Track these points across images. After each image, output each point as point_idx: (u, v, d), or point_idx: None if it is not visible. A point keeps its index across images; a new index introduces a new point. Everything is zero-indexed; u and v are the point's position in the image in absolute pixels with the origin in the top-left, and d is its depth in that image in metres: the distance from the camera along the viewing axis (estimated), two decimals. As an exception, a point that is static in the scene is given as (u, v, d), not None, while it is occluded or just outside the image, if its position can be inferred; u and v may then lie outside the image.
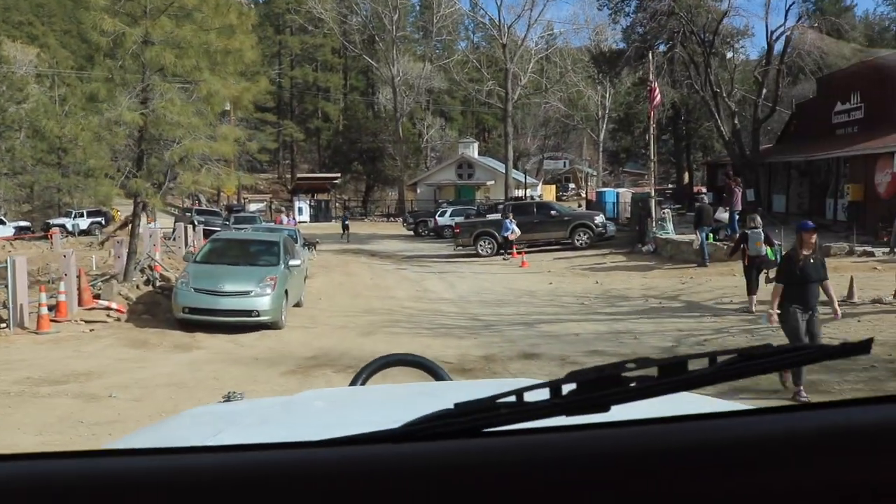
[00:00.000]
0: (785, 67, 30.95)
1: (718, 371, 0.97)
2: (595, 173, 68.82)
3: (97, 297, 14.27)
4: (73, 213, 49.89)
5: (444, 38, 69.67)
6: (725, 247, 21.26)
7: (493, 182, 57.05)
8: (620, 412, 0.93)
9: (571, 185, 76.43)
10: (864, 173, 23.63)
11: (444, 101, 79.77)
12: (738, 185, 21.57)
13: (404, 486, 0.82)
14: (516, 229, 27.99)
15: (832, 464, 0.83)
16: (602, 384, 0.94)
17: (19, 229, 45.45)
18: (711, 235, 21.31)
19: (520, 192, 53.63)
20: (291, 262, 13.84)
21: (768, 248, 13.50)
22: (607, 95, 61.61)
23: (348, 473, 0.84)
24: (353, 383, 2.54)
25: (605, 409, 0.92)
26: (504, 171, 51.52)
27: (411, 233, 44.09)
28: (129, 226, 37.10)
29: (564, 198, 64.82)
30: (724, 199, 21.64)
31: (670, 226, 25.15)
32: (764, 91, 31.95)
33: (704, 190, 21.36)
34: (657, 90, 24.44)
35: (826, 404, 0.97)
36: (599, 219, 29.73)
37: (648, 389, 0.94)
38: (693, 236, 23.34)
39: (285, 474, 0.83)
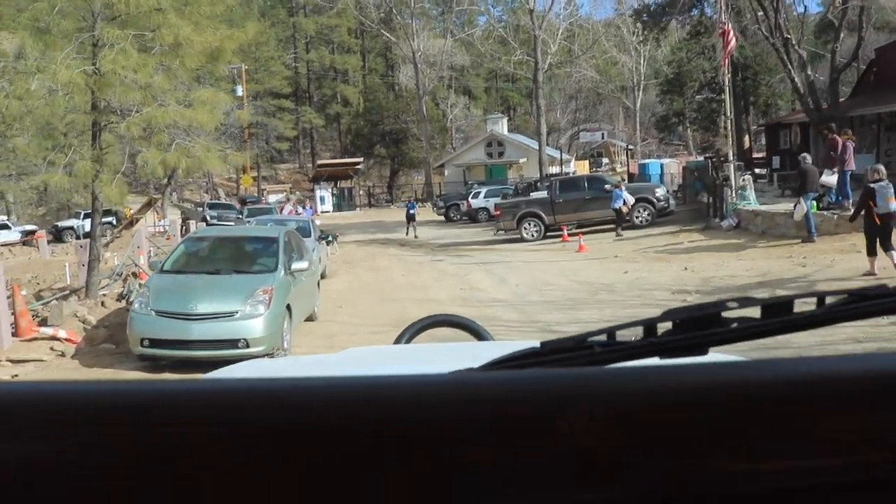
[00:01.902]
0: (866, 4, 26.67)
1: (828, 312, 0.89)
2: (628, 146, 64.95)
3: (42, 323, 10.66)
4: (82, 213, 46.62)
5: (466, 10, 65.50)
6: (835, 216, 17.37)
7: (524, 159, 53.32)
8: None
9: (605, 160, 72.31)
10: None
11: (467, 78, 75.79)
12: (851, 139, 17.51)
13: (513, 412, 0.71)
14: (629, 197, 24.12)
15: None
16: (701, 324, 0.87)
17: (26, 233, 42.35)
18: (815, 204, 17.35)
19: (554, 169, 49.67)
20: (295, 266, 10.05)
21: None
22: (642, 61, 57.53)
23: (471, 398, 0.72)
24: (397, 341, 2.42)
25: (704, 350, 0.86)
26: (537, 148, 47.61)
27: (442, 218, 40.46)
28: (135, 223, 33.86)
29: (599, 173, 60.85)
30: (828, 159, 17.59)
31: (752, 195, 21.15)
32: (842, 34, 27.67)
33: (805, 154, 17.31)
34: (731, 32, 20.37)
35: None
36: (661, 191, 25.81)
37: (751, 330, 0.88)
38: (787, 206, 19.45)
39: (441, 395, 0.72)
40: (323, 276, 17.33)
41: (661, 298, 12.35)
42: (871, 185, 12.20)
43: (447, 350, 2.28)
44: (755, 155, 38.57)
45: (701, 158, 41.83)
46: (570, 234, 24.14)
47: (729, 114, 22.19)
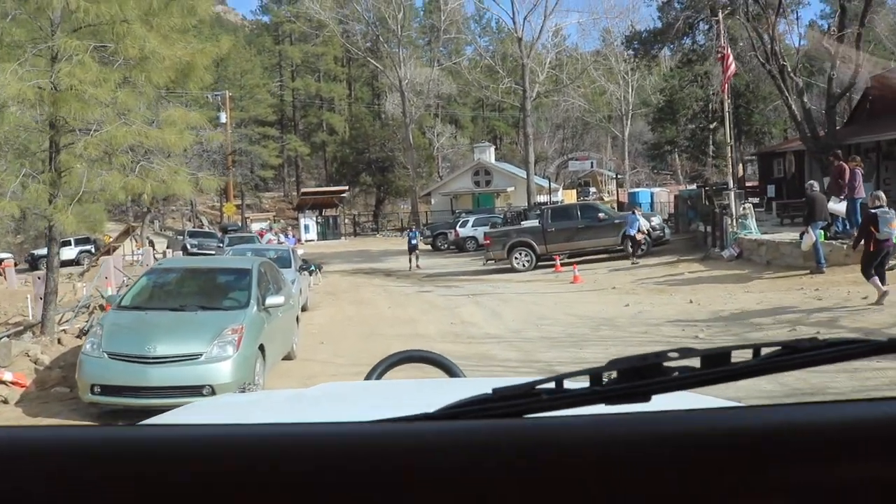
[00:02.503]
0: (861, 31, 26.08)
1: (761, 363, 0.95)
2: (615, 175, 64.46)
3: (-14, 364, 9.56)
4: (59, 241, 45.34)
5: (453, 38, 65.06)
6: (844, 246, 16.52)
7: (512, 188, 52.61)
8: (660, 403, 0.91)
9: (592, 189, 71.69)
10: None
11: (453, 107, 75.22)
12: (860, 166, 16.72)
13: (448, 462, 0.80)
14: (644, 223, 23.29)
15: (870, 458, 0.81)
16: (644, 373, 0.91)
17: (-3, 262, 40.98)
18: (822, 233, 16.53)
19: (542, 198, 48.93)
20: (270, 301, 9.02)
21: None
22: (630, 90, 57.20)
23: (395, 449, 0.82)
24: (368, 377, 2.47)
25: (647, 398, 0.90)
26: (524, 176, 46.91)
27: (429, 247, 39.41)
28: (112, 252, 32.73)
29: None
30: (834, 187, 16.78)
31: (754, 224, 20.32)
32: (838, 62, 27.06)
33: (812, 181, 16.43)
34: (731, 58, 19.64)
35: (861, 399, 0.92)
36: (657, 220, 25.03)
37: (691, 379, 0.92)
38: (790, 235, 18.65)
39: (329, 448, 0.81)
40: (304, 309, 16.30)
41: (669, 334, 11.41)
42: (874, 211, 12.16)
43: (415, 388, 2.28)
44: (748, 184, 37.92)
45: (693, 187, 41.24)
46: (562, 264, 23.24)
47: (730, 140, 21.41)
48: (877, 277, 11.91)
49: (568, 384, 0.95)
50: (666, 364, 0.92)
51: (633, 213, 23.87)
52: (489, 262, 26.11)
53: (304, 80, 75.47)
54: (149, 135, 9.67)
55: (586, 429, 0.85)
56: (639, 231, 22.90)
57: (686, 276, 18.22)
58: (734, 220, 20.14)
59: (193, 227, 51.88)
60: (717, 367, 0.93)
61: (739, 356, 0.95)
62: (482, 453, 0.80)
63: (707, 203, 30.03)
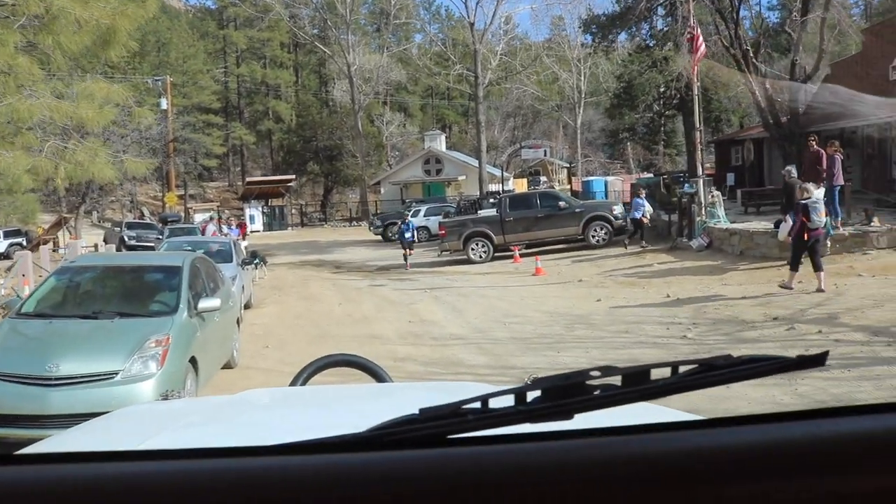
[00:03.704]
0: (826, 17, 25.40)
1: (680, 381, 0.97)
2: (567, 164, 63.84)
3: None
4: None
5: (402, 23, 63.72)
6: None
7: (464, 177, 51.50)
8: (587, 420, 0.93)
9: (543, 178, 70.92)
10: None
11: (402, 95, 73.76)
12: (840, 151, 15.84)
13: (368, 497, 0.81)
14: (649, 207, 22.66)
15: (788, 477, 0.83)
16: (566, 392, 0.94)
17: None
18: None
19: (494, 187, 47.94)
20: (205, 305, 7.64)
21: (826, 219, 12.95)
22: (583, 78, 56.44)
23: (310, 483, 0.82)
24: (293, 383, 2.45)
25: (569, 416, 0.92)
26: (476, 165, 45.86)
27: (379, 238, 38.11)
28: (43, 244, 30.71)
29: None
30: (811, 173, 15.88)
31: (722, 212, 19.45)
32: (800, 48, 26.41)
33: (789, 167, 15.43)
34: (700, 38, 18.65)
35: (780, 416, 0.95)
36: (619, 209, 23.97)
37: (612, 398, 0.94)
38: (757, 224, 17.88)
39: (225, 484, 0.80)
40: (247, 307, 14.94)
41: (654, 335, 10.32)
42: (804, 202, 12.67)
43: (339, 396, 2.28)
44: (708, 170, 37.33)
45: (649, 175, 40.55)
46: (522, 255, 22.16)
47: (699, 125, 20.47)
48: (797, 271, 12.66)
49: (494, 403, 0.94)
50: (589, 383, 0.94)
51: (639, 196, 22.91)
52: (444, 252, 24.96)
53: (249, 66, 73.15)
54: (59, 109, 8.19)
55: (505, 456, 0.85)
56: (643, 215, 21.97)
57: (656, 268, 17.24)
58: (703, 209, 19.24)
59: (133, 219, 49.67)
60: (637, 385, 0.94)
61: (659, 374, 0.96)
62: (401, 486, 0.79)
63: (665, 192, 29.27)
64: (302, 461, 0.86)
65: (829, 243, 14.40)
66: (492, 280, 18.82)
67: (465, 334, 11.66)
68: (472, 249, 23.34)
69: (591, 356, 9.34)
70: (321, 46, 58.83)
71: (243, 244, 22.50)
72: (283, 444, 0.95)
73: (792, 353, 8.59)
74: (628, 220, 22.91)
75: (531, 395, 0.95)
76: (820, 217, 12.56)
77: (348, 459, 0.86)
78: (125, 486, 0.76)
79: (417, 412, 0.95)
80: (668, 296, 13.41)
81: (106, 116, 8.93)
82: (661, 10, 32.78)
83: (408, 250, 24.45)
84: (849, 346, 8.54)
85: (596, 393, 0.94)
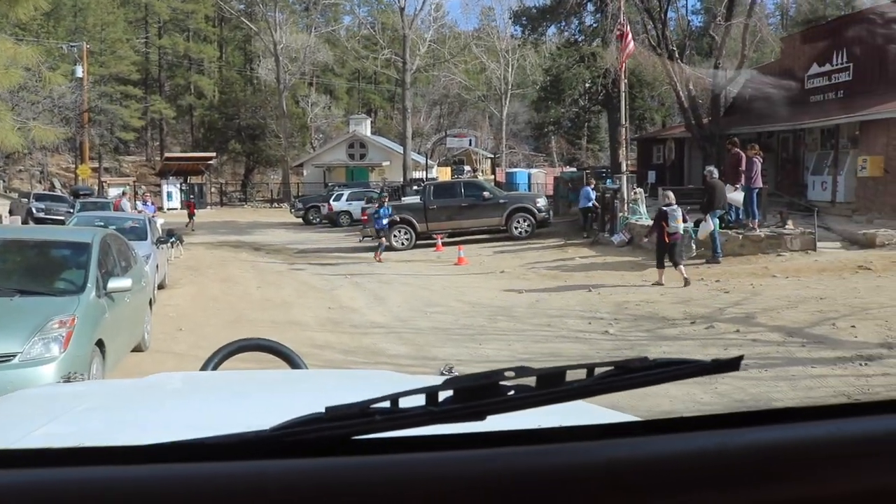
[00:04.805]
0: (749, 23, 26.00)
1: (595, 383, 0.96)
2: (492, 155, 64.18)
3: None
4: None
5: (331, 4, 62.85)
6: (740, 236, 16.09)
7: (388, 163, 51.27)
8: (501, 421, 0.91)
9: (466, 168, 71.05)
10: (887, 142, 18.80)
11: (329, 77, 72.72)
12: (759, 154, 16.18)
13: None
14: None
15: (705, 490, 0.82)
16: (479, 393, 0.91)
17: None
18: (717, 221, 15.98)
19: (418, 174, 47.78)
20: (114, 284, 7.24)
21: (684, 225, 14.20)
22: (510, 70, 56.64)
23: (198, 496, 0.76)
24: (204, 367, 2.39)
25: (482, 418, 0.90)
26: (400, 151, 45.61)
27: (300, 220, 37.60)
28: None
29: (461, 181, 59.16)
30: (731, 175, 16.20)
31: (644, 209, 19.71)
32: (723, 52, 26.98)
33: (711, 167, 15.70)
34: (630, 36, 18.81)
35: (701, 421, 0.93)
36: (542, 202, 24.11)
37: (525, 400, 0.93)
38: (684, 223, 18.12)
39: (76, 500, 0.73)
40: (161, 287, 14.43)
41: (575, 328, 10.34)
42: (665, 209, 14.09)
43: (249, 382, 2.18)
44: (632, 168, 37.92)
45: (573, 169, 40.97)
46: (444, 244, 22.07)
47: (624, 121, 20.68)
48: (663, 269, 13.83)
49: (404, 402, 0.91)
50: (502, 383, 0.92)
51: (589, 185, 22.99)
52: (365, 238, 24.71)
53: (171, 38, 70.91)
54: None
55: (408, 466, 0.82)
56: (594, 204, 22.09)
57: (578, 262, 17.35)
58: (626, 205, 19.47)
59: (43, 190, 47.70)
60: (552, 387, 0.93)
61: (575, 375, 0.96)
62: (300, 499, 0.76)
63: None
64: (182, 471, 0.78)
65: (693, 246, 15.33)
66: (414, 268, 18.67)
67: (385, 323, 11.49)
68: (395, 236, 23.13)
69: (513, 349, 9.29)
70: (247, 22, 57.64)
71: (159, 222, 21.76)
72: (165, 444, 0.87)
73: (711, 351, 8.72)
74: (579, 209, 22.91)
75: (443, 395, 0.91)
76: (677, 223, 13.85)
77: (238, 469, 0.80)
78: None
79: (323, 410, 0.89)
80: (590, 290, 13.49)
81: (11, 78, 8.43)
82: (590, 6, 33.12)
83: (383, 239, 21.81)
84: (765, 347, 8.69)
85: (510, 394, 0.91)
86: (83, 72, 47.10)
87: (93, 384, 2.70)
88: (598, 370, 0.98)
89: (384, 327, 11.11)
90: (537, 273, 16.39)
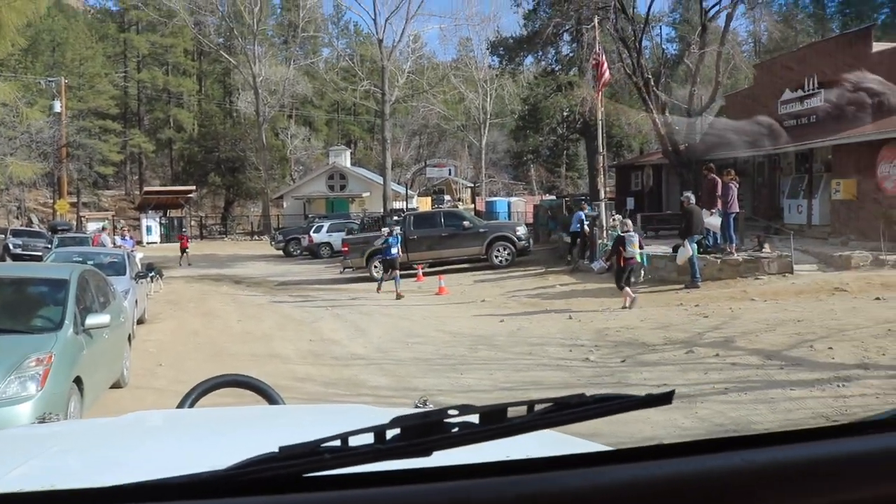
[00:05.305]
0: (722, 51, 26.42)
1: (534, 419, 1.00)
2: (472, 184, 64.45)
3: None
4: None
5: (310, 36, 63.21)
6: (718, 261, 16.23)
7: (368, 194, 51.27)
8: (447, 457, 0.94)
9: (447, 197, 71.35)
10: (860, 166, 19.08)
11: (308, 109, 72.94)
12: (735, 179, 16.39)
13: None
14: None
15: None
16: (425, 430, 0.95)
17: None
18: (695, 247, 16.12)
19: (398, 205, 47.87)
20: (92, 321, 7.21)
21: (640, 251, 15.27)
22: (489, 99, 57.09)
23: None
24: (181, 405, 2.40)
25: (427, 454, 0.93)
26: (380, 182, 45.66)
27: (280, 252, 37.56)
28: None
29: (442, 211, 59.37)
30: (706, 201, 16.39)
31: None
32: (698, 80, 27.36)
33: (688, 193, 15.90)
34: (605, 65, 19.06)
35: (662, 451, 0.94)
36: (522, 230, 24.22)
37: (468, 436, 0.96)
38: (658, 248, 18.30)
39: None
40: (141, 322, 14.36)
41: (556, 356, 10.37)
42: (622, 235, 15.06)
43: (223, 420, 2.17)
44: (609, 195, 38.19)
45: (552, 197, 41.21)
46: (424, 274, 22.11)
47: (602, 149, 20.88)
48: (627, 288, 14.56)
49: (354, 441, 0.94)
50: (447, 421, 0.95)
51: (582, 209, 22.83)
52: (347, 269, 24.67)
53: (150, 72, 70.99)
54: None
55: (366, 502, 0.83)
56: (582, 229, 21.88)
57: (558, 289, 17.43)
58: (605, 232, 19.59)
59: (20, 225, 47.35)
60: (494, 423, 0.96)
61: (516, 412, 0.99)
62: None
63: (568, 214, 29.78)
64: None
65: (643, 272, 16.57)
66: (394, 299, 18.65)
67: (366, 354, 11.47)
68: (376, 267, 23.10)
69: (495, 378, 9.30)
70: (226, 56, 57.85)
71: (138, 256, 21.65)
72: (128, 485, 0.90)
73: (691, 376, 8.78)
74: (570, 234, 22.54)
75: (390, 433, 0.95)
76: (633, 248, 14.75)
77: None
78: None
79: (277, 450, 0.93)
80: (571, 317, 13.55)
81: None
82: (566, 36, 33.54)
83: (392, 270, 19.62)
84: (745, 370, 8.75)
85: (454, 431, 0.95)
86: (61, 107, 46.96)
87: (69, 423, 2.67)
88: (537, 406, 1.02)
89: (365, 359, 11.09)
90: (518, 301, 16.44)
